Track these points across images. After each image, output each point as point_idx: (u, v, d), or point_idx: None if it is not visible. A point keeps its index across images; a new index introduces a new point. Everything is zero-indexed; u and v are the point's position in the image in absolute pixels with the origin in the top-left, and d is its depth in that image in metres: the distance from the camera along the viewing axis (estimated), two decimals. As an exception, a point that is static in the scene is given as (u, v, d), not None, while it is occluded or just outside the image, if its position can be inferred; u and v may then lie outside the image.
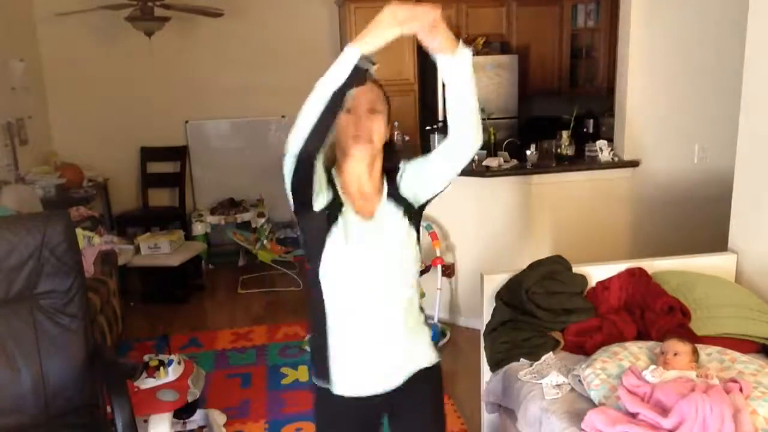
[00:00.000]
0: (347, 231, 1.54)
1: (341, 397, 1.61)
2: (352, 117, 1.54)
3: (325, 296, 1.57)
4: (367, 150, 1.56)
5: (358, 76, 1.34)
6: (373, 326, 1.58)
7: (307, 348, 3.62)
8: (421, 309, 1.72)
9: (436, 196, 1.67)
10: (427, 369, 1.68)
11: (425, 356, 1.69)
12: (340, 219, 1.54)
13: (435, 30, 1.37)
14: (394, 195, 1.63)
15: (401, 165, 1.67)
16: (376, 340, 1.59)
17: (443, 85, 1.52)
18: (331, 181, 1.57)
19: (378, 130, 1.56)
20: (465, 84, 1.48)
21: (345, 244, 1.53)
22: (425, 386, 1.69)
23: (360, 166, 1.59)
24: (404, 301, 1.61)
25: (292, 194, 1.50)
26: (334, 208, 1.54)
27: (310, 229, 1.55)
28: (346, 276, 1.55)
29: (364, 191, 1.61)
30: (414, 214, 1.64)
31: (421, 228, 1.69)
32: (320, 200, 1.51)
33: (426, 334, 1.70)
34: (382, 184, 1.65)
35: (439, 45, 1.41)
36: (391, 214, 1.62)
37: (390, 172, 1.66)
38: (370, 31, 1.32)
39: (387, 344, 1.60)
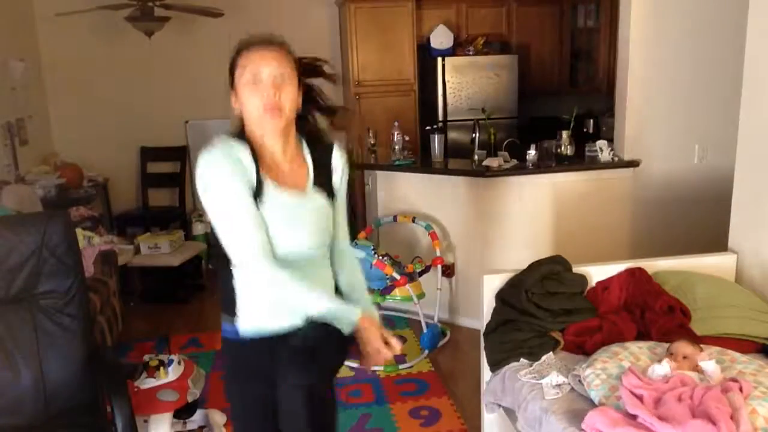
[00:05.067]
0: (272, 204, 1.55)
1: (243, 341, 1.62)
2: (258, 89, 1.52)
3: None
4: (278, 122, 1.54)
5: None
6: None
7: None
8: (332, 273, 1.74)
9: None
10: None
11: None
12: (263, 197, 1.55)
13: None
14: (323, 178, 1.67)
15: (335, 149, 1.69)
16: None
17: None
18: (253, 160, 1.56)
19: (287, 99, 1.54)
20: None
21: (274, 217, 1.55)
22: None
23: (274, 141, 1.58)
24: (319, 265, 1.68)
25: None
26: (257, 188, 1.54)
27: None
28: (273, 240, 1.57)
29: (279, 166, 1.60)
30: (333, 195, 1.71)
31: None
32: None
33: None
34: (303, 157, 1.65)
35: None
36: (319, 191, 1.65)
37: (319, 143, 1.68)
38: (373, 328, 1.58)
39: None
